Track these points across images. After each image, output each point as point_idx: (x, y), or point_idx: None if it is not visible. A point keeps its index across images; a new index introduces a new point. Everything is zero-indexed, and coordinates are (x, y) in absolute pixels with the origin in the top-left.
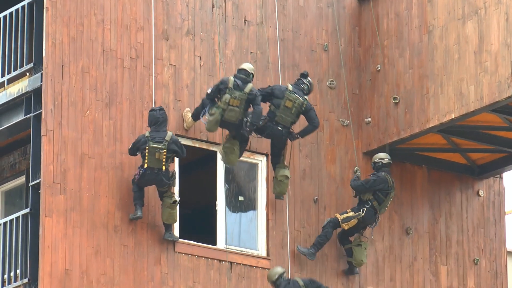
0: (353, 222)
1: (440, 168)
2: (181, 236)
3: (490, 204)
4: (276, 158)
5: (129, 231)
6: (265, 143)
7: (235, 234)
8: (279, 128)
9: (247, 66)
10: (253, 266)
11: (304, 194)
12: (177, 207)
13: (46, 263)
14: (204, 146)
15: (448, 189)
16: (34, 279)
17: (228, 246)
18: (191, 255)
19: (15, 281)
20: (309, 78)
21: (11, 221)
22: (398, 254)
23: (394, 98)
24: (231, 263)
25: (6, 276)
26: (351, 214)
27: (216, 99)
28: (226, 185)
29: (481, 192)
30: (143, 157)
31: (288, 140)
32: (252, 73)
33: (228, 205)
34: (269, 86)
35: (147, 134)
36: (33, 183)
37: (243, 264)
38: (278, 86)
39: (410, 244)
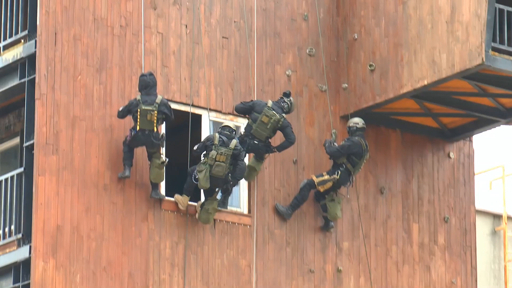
0: (329, 184)
1: (413, 132)
2: (167, 194)
3: (460, 166)
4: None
5: (118, 190)
6: None
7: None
8: (255, 142)
9: (230, 123)
10: (235, 223)
11: (284, 156)
12: (164, 167)
13: (39, 220)
14: (189, 109)
15: (421, 151)
16: (28, 234)
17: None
18: (176, 212)
19: (9, 236)
20: (291, 97)
21: (6, 180)
22: (373, 212)
23: (370, 65)
24: (214, 220)
25: (1, 232)
26: (326, 177)
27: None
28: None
29: (451, 154)
30: (135, 119)
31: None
32: (235, 130)
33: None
34: (251, 100)
35: (138, 97)
36: (27, 144)
37: (225, 221)
38: (259, 101)
39: (384, 203)
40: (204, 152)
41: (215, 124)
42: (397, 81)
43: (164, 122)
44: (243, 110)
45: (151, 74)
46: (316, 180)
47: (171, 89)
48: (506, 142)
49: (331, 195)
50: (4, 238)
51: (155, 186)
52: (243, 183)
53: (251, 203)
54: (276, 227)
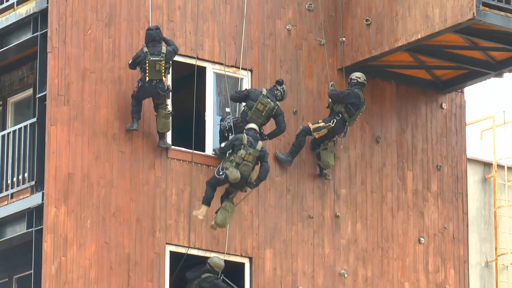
0: (324, 131)
1: (407, 83)
2: (173, 144)
3: (452, 116)
4: None
5: (126, 139)
6: (250, 60)
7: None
8: None
9: (254, 126)
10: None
11: (284, 106)
12: (171, 117)
13: (51, 167)
14: (194, 62)
15: (414, 102)
16: (40, 181)
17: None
18: (182, 160)
19: (23, 183)
20: (283, 86)
21: (19, 129)
22: (369, 161)
23: (366, 20)
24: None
25: (15, 179)
26: (322, 124)
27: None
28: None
29: (444, 105)
30: (144, 71)
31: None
32: (260, 132)
33: (216, 116)
34: (246, 89)
35: (145, 49)
36: (39, 95)
37: None
38: (254, 89)
39: (380, 152)
40: (230, 151)
41: (218, 76)
42: (392, 35)
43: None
44: (238, 98)
45: (157, 28)
46: (311, 126)
47: (176, 42)
48: (496, 93)
49: (325, 144)
50: (18, 185)
51: (162, 136)
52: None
53: None
54: (277, 175)
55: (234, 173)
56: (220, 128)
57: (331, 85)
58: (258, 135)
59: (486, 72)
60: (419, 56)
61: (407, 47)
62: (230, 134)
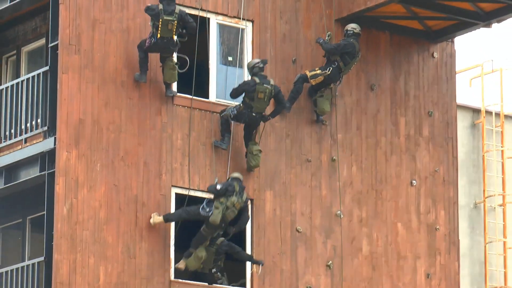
0: (320, 78)
1: (400, 33)
2: (178, 91)
3: (443, 64)
4: (248, 137)
5: (134, 86)
6: (252, 11)
7: (225, 88)
8: (254, 114)
9: (239, 175)
10: None
11: (284, 55)
12: (177, 68)
13: (63, 113)
14: (199, 13)
15: (407, 51)
16: (53, 127)
17: (218, 99)
18: (187, 107)
19: (36, 128)
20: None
21: (33, 77)
22: (364, 107)
23: None
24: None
25: (28, 125)
26: (318, 71)
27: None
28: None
29: (435, 54)
30: (156, 28)
31: (262, 122)
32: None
33: (219, 64)
34: (239, 84)
35: (160, 7)
36: (52, 44)
37: None
38: (247, 82)
39: (374, 98)
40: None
41: (221, 26)
42: None
43: (185, 30)
44: (238, 94)
45: None
46: (308, 74)
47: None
48: (485, 43)
49: (321, 91)
50: (31, 130)
51: (168, 85)
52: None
53: None
54: (277, 120)
55: (217, 217)
56: (223, 118)
57: (328, 36)
58: (243, 185)
59: (475, 23)
60: (412, 7)
61: None
62: (234, 122)
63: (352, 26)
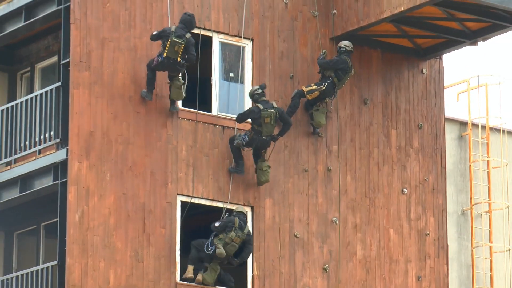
0: (316, 93)
1: (391, 51)
2: (183, 105)
3: (431, 80)
4: (258, 155)
5: (141, 101)
6: (252, 30)
7: (226, 103)
8: (264, 138)
9: (243, 210)
10: (241, 129)
11: (282, 71)
12: (184, 87)
13: (74, 126)
14: (202, 32)
15: (398, 67)
16: (65, 139)
17: (221, 113)
18: (191, 120)
19: (49, 140)
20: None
21: (46, 92)
22: (357, 120)
23: None
24: (223, 127)
25: (42, 137)
26: (314, 87)
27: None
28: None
29: (424, 70)
30: (164, 46)
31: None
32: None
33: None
34: (245, 112)
35: (173, 28)
36: (63, 61)
37: (233, 128)
38: (252, 110)
39: (367, 112)
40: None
41: (223, 44)
42: (378, 8)
43: (186, 56)
44: (243, 120)
45: (193, 16)
46: (305, 89)
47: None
48: (471, 60)
49: (317, 105)
50: (44, 142)
51: (174, 102)
52: (248, 89)
53: None
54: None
55: (222, 252)
56: (234, 146)
57: (323, 53)
58: (246, 218)
59: (462, 41)
60: (402, 26)
61: (391, 18)
62: (246, 149)
63: (344, 44)
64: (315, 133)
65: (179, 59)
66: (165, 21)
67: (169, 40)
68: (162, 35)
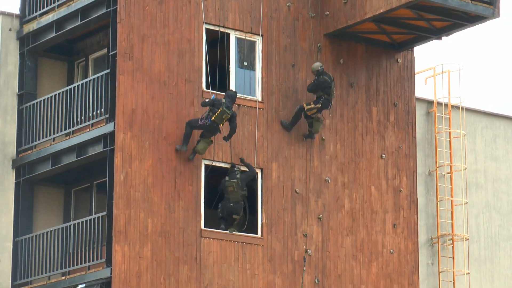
0: (314, 110)
1: (373, 44)
2: (206, 88)
3: (405, 68)
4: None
5: (173, 84)
6: (262, 28)
7: (242, 86)
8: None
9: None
10: (253, 107)
11: (285, 61)
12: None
13: (120, 104)
14: (222, 29)
15: (378, 57)
16: (112, 115)
17: (237, 94)
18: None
19: (100, 116)
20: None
21: (97, 78)
22: (345, 100)
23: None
24: (238, 105)
25: (94, 113)
26: (313, 106)
27: None
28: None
29: (399, 60)
30: (214, 112)
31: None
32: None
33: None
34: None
35: (223, 100)
36: (112, 53)
37: (246, 106)
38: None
39: (353, 93)
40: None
41: (238, 39)
42: (362, 10)
43: (229, 123)
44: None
45: (236, 92)
46: (305, 107)
47: (208, 15)
48: (437, 51)
49: (316, 116)
50: (96, 117)
51: (195, 152)
52: (259, 79)
53: (263, 93)
54: (281, 109)
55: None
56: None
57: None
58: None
59: (429, 36)
60: (382, 25)
61: (372, 19)
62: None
63: (317, 66)
64: (311, 137)
65: (221, 125)
66: (193, 21)
67: (220, 108)
68: (215, 104)
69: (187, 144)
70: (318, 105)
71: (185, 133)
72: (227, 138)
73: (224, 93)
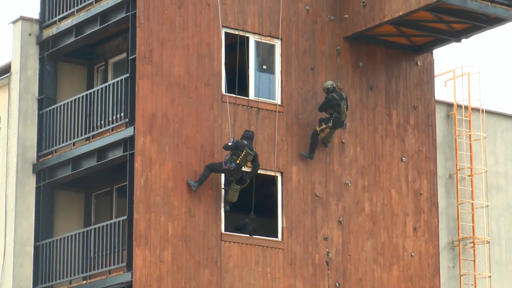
0: (326, 131)
1: (392, 47)
2: (226, 91)
3: (424, 70)
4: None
5: (193, 88)
6: (281, 32)
7: (261, 89)
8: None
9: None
10: (272, 110)
11: (305, 64)
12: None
13: (139, 109)
14: (241, 33)
15: (397, 60)
16: (132, 119)
17: (256, 97)
18: (232, 103)
19: (120, 120)
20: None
21: (117, 82)
22: (365, 103)
23: (363, 2)
24: (258, 108)
25: (114, 117)
26: (324, 126)
27: None
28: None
29: (418, 62)
30: (238, 156)
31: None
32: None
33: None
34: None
35: (245, 142)
36: (131, 57)
37: (266, 110)
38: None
39: (373, 96)
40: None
41: (257, 43)
42: (381, 13)
43: (252, 164)
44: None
45: (253, 132)
46: (318, 129)
47: (227, 19)
48: (456, 54)
49: (328, 133)
50: (116, 122)
51: (227, 202)
52: (278, 82)
53: (283, 97)
54: (300, 113)
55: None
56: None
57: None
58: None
59: (448, 39)
60: (401, 27)
61: (392, 21)
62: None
63: (330, 84)
64: (325, 146)
65: (245, 167)
66: (212, 25)
67: (244, 151)
68: (238, 147)
69: (200, 186)
70: (329, 124)
71: (203, 175)
72: (248, 177)
73: (242, 134)
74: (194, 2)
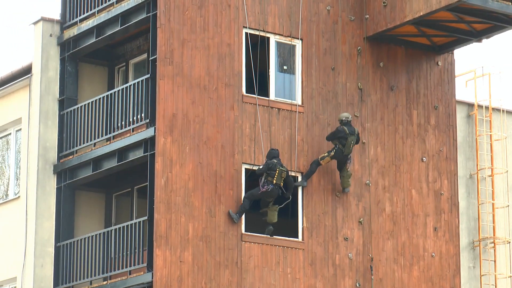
0: (327, 159)
1: (412, 47)
2: (246, 92)
3: (445, 70)
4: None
5: (213, 89)
6: (301, 32)
7: (282, 90)
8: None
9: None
10: (293, 110)
11: (325, 65)
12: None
13: (160, 109)
14: (262, 34)
15: (418, 60)
16: (153, 119)
17: (276, 98)
18: (253, 104)
19: (141, 121)
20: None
21: (138, 82)
22: (386, 103)
23: (384, 2)
24: (278, 109)
25: (135, 118)
26: (325, 154)
27: None
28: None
29: (439, 62)
30: (273, 176)
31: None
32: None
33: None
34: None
35: (275, 161)
36: (152, 58)
37: (286, 110)
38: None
39: (393, 96)
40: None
41: (278, 43)
42: (402, 13)
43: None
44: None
45: (277, 150)
46: (319, 158)
47: (249, 20)
48: (477, 54)
49: (345, 169)
50: (137, 122)
51: (268, 224)
52: (299, 82)
53: (303, 97)
54: (321, 113)
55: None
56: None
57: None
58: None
59: (469, 39)
60: (421, 27)
61: (412, 21)
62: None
63: (345, 116)
64: (344, 192)
65: (282, 184)
66: (232, 26)
67: (277, 169)
68: (270, 167)
69: (241, 217)
70: (331, 154)
71: (243, 207)
72: (288, 194)
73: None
74: (215, 2)
